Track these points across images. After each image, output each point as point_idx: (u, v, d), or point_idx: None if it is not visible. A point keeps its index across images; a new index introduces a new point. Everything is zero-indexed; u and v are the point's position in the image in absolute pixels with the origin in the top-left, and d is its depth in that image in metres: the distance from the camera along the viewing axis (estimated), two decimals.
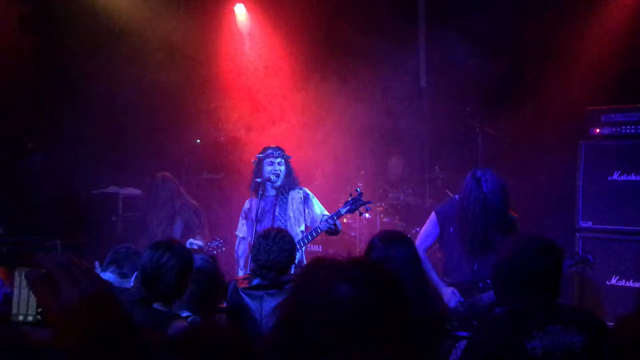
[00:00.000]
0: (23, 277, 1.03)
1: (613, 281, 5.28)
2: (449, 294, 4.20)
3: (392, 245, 2.82)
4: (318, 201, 4.96)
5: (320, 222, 4.71)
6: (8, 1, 5.84)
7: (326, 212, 4.86)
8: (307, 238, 4.69)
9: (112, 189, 6.83)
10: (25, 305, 1.05)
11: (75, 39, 6.76)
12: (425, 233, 4.50)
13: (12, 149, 5.61)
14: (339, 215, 4.70)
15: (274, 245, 3.44)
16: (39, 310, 1.04)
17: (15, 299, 1.05)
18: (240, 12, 8.06)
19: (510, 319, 2.59)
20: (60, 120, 6.58)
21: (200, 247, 5.29)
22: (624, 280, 5.25)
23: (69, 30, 6.72)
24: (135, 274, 3.49)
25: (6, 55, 5.61)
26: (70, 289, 0.96)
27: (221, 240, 5.36)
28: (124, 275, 3.54)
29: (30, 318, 1.05)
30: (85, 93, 6.85)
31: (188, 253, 2.90)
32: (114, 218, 6.55)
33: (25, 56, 5.86)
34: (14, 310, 1.05)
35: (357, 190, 4.85)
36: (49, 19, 6.57)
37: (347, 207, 4.72)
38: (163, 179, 5.78)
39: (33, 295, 1.03)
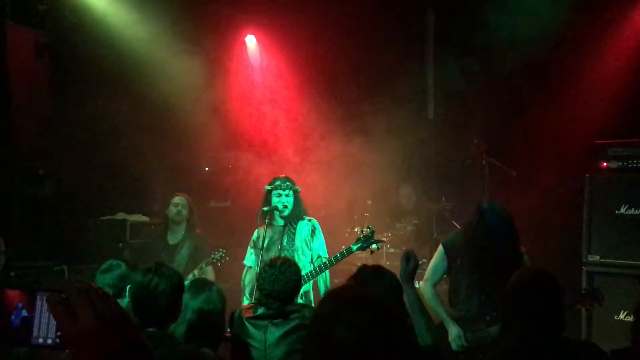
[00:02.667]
0: (44, 301, 1.07)
1: (621, 316, 5.23)
2: (454, 334, 4.16)
3: (376, 278, 2.77)
4: (323, 238, 4.99)
5: (328, 259, 4.75)
6: (24, 30, 5.99)
7: (323, 253, 4.89)
8: (315, 271, 4.73)
9: (120, 215, 6.87)
10: (45, 328, 1.08)
11: (88, 67, 6.89)
12: (433, 267, 4.48)
13: (24, 174, 5.69)
14: (350, 252, 4.76)
15: (279, 275, 3.45)
16: (58, 333, 1.07)
17: (35, 322, 1.08)
18: (251, 43, 8.20)
19: (515, 354, 2.58)
20: (71, 146, 6.66)
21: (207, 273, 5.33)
22: (632, 316, 5.18)
23: (82, 58, 6.85)
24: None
25: (22, 81, 5.73)
26: (88, 313, 1.00)
27: (224, 251, 5.40)
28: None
29: (49, 341, 1.08)
30: (96, 120, 6.95)
31: (177, 276, 2.89)
32: (121, 244, 6.58)
33: (40, 83, 5.99)
34: (35, 333, 1.08)
35: (369, 228, 4.92)
36: (63, 47, 6.71)
37: (359, 244, 4.80)
38: (186, 198, 5.94)
39: (53, 319, 1.06)
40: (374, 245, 4.85)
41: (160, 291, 2.73)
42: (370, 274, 2.77)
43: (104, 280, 3.59)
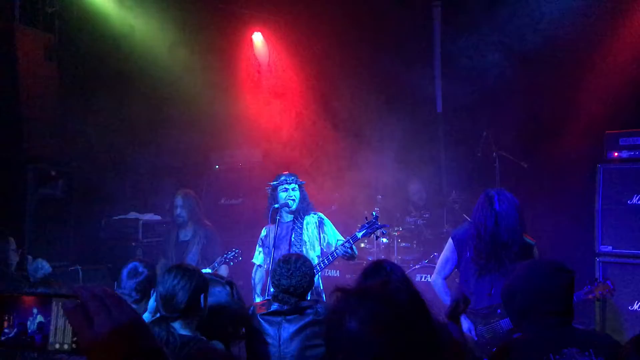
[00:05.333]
0: (60, 307, 1.07)
1: (635, 306, 5.20)
2: (464, 328, 4.15)
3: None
4: (333, 226, 4.98)
5: (336, 247, 4.71)
6: (33, 32, 6.04)
7: (341, 237, 4.87)
8: (324, 262, 4.69)
9: (133, 214, 6.91)
10: (61, 334, 1.08)
11: (97, 68, 6.92)
12: (443, 260, 4.48)
13: (36, 176, 5.74)
14: (355, 239, 4.68)
15: (295, 270, 3.47)
16: (74, 339, 1.07)
17: (51, 328, 1.08)
18: (258, 41, 8.21)
19: (525, 343, 2.58)
20: (82, 147, 6.71)
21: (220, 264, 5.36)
22: None
23: (91, 59, 6.89)
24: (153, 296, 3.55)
25: (32, 83, 5.78)
26: (104, 318, 1.00)
27: (237, 251, 5.41)
28: (138, 301, 3.55)
29: (65, 347, 1.09)
30: (106, 120, 6.99)
31: (201, 275, 2.99)
32: (134, 244, 6.62)
33: (50, 85, 6.03)
34: (51, 339, 1.08)
35: (372, 213, 4.83)
36: (72, 49, 6.75)
37: (364, 231, 4.70)
38: (184, 196, 5.93)
39: (69, 325, 1.06)
40: (382, 236, 4.78)
41: (181, 286, 2.86)
42: (370, 270, 2.81)
43: (130, 284, 3.57)
